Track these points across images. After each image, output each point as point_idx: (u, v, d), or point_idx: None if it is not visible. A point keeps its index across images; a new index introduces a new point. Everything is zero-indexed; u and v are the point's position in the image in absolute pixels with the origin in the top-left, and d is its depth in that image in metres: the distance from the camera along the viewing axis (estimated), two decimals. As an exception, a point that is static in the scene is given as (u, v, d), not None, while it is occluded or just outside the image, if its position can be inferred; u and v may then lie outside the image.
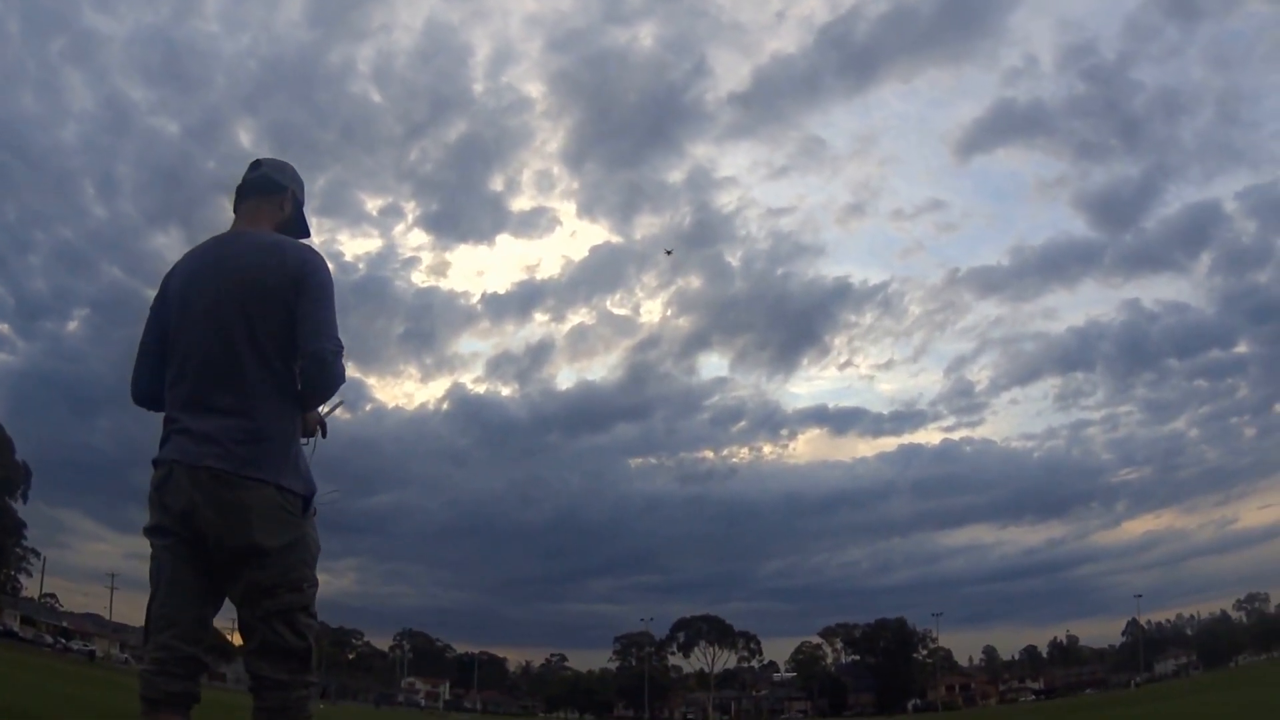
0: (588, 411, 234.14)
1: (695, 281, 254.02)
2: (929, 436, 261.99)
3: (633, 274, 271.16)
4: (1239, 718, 21.11)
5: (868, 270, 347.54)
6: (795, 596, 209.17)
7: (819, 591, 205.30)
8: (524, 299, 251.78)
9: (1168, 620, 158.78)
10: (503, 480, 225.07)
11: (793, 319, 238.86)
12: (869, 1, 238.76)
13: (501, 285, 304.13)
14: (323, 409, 4.89)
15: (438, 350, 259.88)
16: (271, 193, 4.87)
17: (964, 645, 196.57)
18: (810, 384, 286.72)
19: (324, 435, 4.94)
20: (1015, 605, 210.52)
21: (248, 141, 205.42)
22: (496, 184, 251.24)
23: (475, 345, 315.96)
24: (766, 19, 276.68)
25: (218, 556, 4.26)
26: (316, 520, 4.62)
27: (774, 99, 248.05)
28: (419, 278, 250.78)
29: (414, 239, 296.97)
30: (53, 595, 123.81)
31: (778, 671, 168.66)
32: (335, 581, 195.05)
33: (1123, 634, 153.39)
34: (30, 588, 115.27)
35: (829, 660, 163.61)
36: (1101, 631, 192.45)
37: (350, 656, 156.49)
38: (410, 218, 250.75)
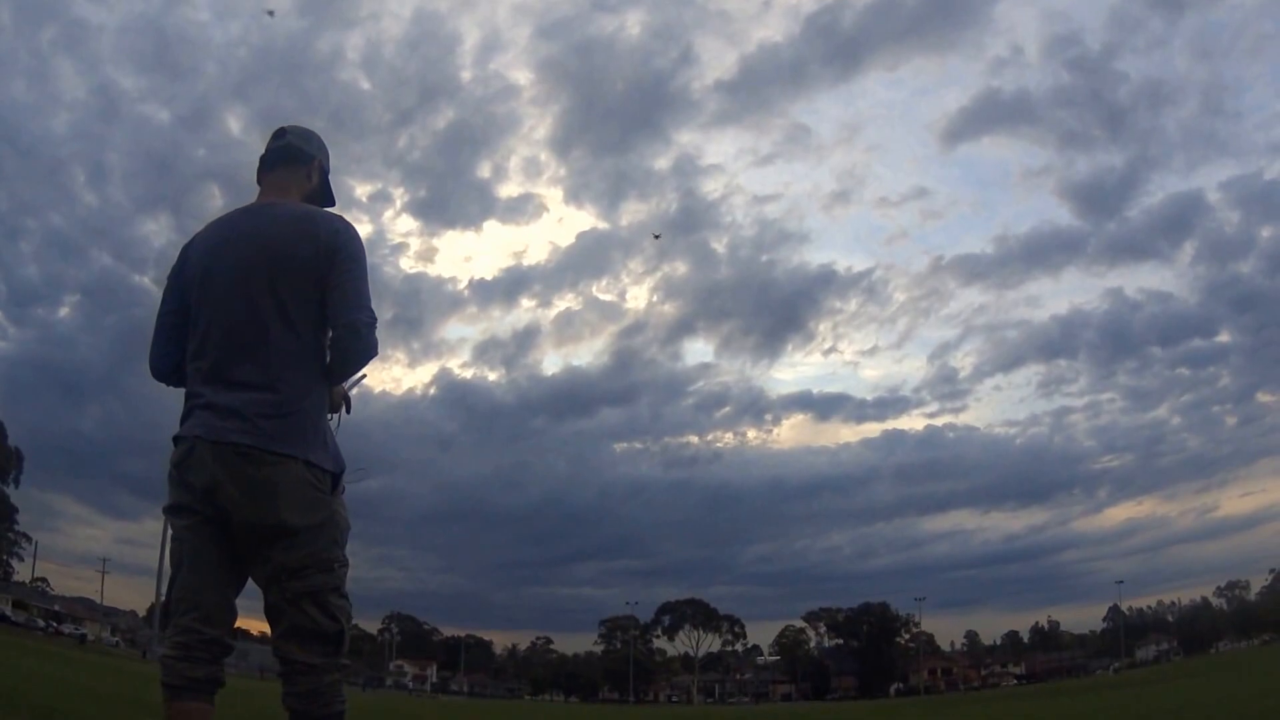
0: (573, 396, 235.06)
1: (681, 268, 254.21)
2: (912, 423, 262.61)
3: (619, 260, 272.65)
4: (1216, 706, 21.84)
5: (852, 257, 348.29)
6: (779, 581, 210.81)
7: (802, 576, 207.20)
8: (511, 285, 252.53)
9: (1149, 606, 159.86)
10: (489, 465, 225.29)
11: (777, 305, 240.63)
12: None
13: (489, 271, 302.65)
14: (346, 383, 4.70)
15: (425, 335, 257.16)
16: (298, 162, 4.70)
17: (946, 630, 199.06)
18: (794, 370, 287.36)
19: (348, 411, 4.75)
20: (997, 590, 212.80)
21: (237, 129, 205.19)
22: (484, 171, 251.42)
23: (462, 331, 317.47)
24: (753, 7, 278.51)
25: (242, 536, 4.13)
26: (345, 499, 4.49)
27: (760, 87, 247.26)
28: (407, 263, 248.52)
29: (402, 225, 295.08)
30: (44, 579, 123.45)
31: (761, 655, 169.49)
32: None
33: (1104, 620, 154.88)
34: (22, 572, 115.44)
35: (812, 644, 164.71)
36: (1083, 617, 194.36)
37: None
38: (399, 204, 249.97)
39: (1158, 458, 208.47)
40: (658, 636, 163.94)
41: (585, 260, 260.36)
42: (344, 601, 4.28)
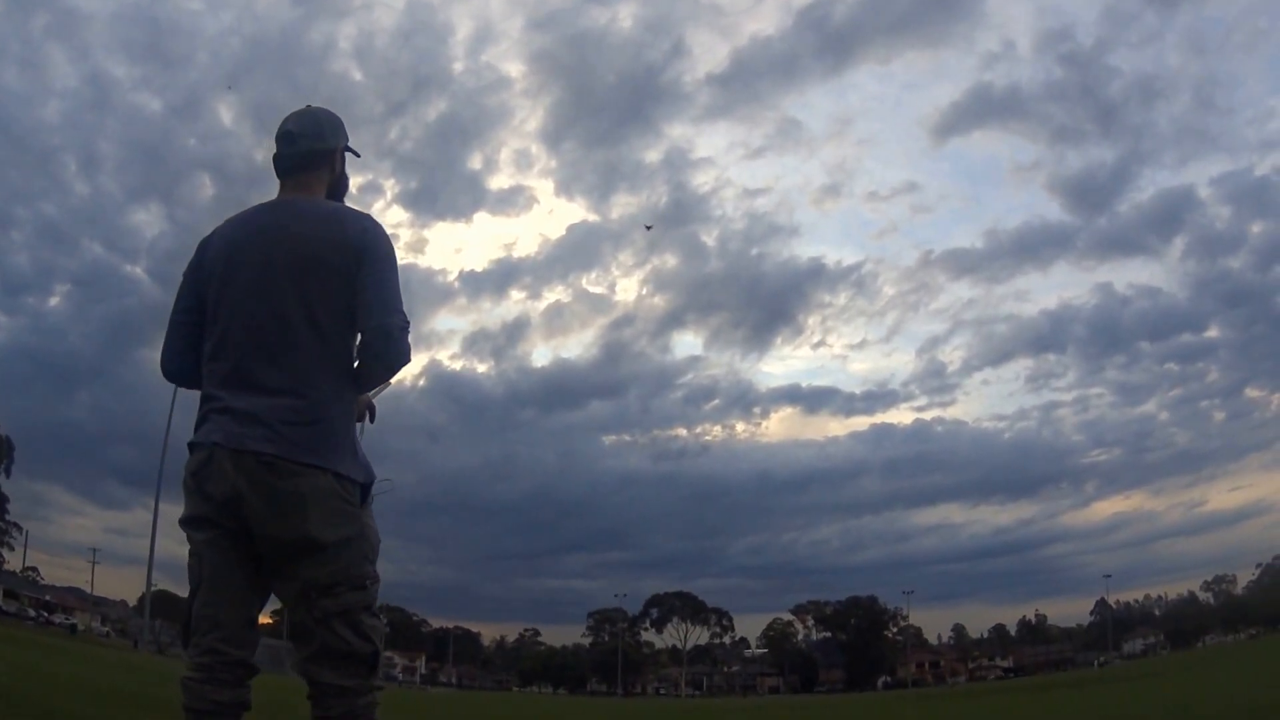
0: (563, 389, 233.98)
1: (671, 260, 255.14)
2: (901, 416, 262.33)
3: (609, 252, 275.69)
4: (1207, 704, 21.96)
5: (842, 251, 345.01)
6: (767, 574, 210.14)
7: (790, 569, 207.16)
8: (501, 276, 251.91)
9: (1136, 600, 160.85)
10: (478, 456, 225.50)
11: (767, 299, 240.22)
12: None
13: (479, 263, 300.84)
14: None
15: (415, 327, 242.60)
16: (319, 164, 4.46)
17: (933, 623, 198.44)
18: (783, 363, 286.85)
19: (371, 420, 4.56)
20: (985, 584, 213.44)
21: (229, 119, 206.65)
22: (475, 162, 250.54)
23: (452, 322, 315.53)
24: (746, 1, 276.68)
25: (267, 550, 3.89)
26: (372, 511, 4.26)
27: (751, 80, 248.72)
28: (397, 254, 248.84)
29: (392, 216, 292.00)
30: (34, 569, 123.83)
31: (749, 648, 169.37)
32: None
33: (1091, 613, 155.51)
34: (12, 561, 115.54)
35: (800, 637, 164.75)
36: (1070, 611, 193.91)
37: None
38: (389, 195, 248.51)
39: (1146, 452, 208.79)
40: (646, 629, 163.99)
41: (575, 252, 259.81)
42: (376, 620, 4.06)
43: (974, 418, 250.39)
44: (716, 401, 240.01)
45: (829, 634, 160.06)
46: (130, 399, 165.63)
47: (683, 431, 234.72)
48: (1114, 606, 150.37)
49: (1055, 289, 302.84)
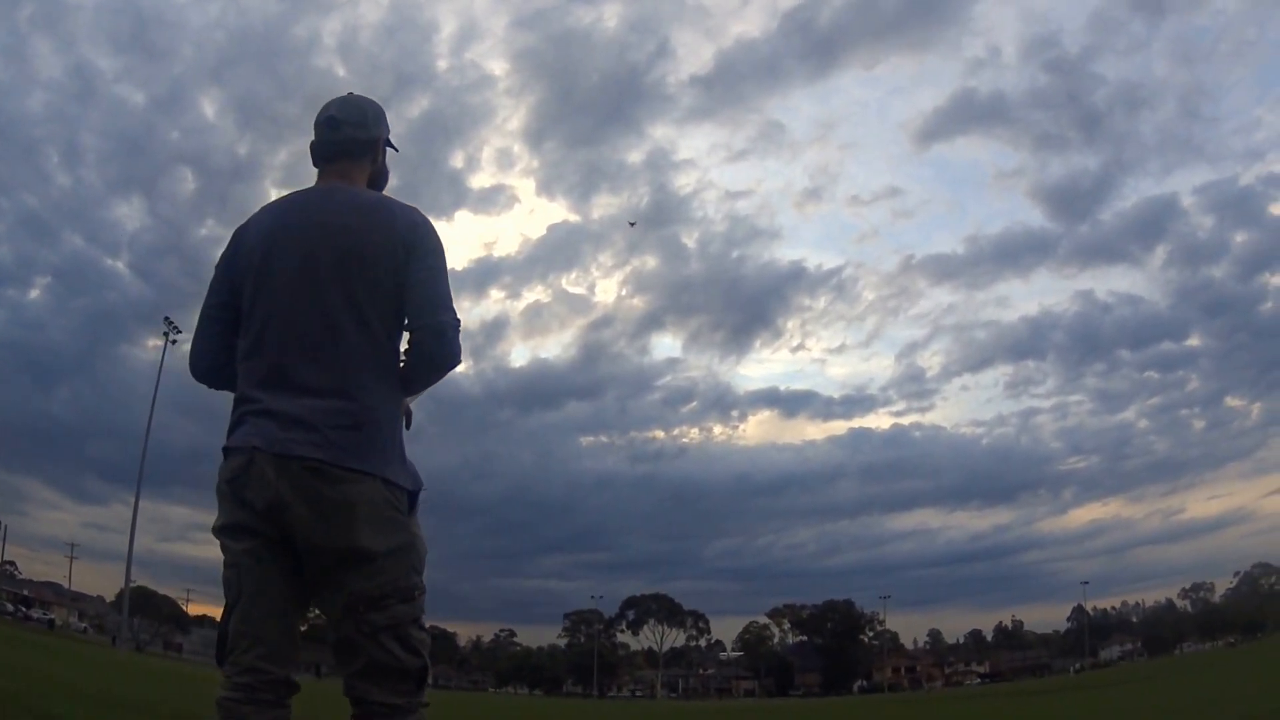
0: (541, 389, 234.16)
1: (651, 262, 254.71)
2: (879, 421, 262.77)
3: (589, 253, 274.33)
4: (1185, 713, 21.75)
5: (823, 255, 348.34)
6: (743, 576, 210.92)
7: (766, 572, 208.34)
8: (480, 275, 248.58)
9: (1113, 607, 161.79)
10: (455, 455, 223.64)
11: (746, 301, 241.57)
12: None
13: (459, 261, 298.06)
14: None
15: None
16: (362, 153, 4.24)
17: (909, 627, 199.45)
18: (762, 366, 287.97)
19: (408, 426, 4.16)
20: (961, 589, 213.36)
21: (211, 113, 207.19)
22: (457, 160, 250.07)
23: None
24: (731, 3, 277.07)
25: (311, 561, 3.64)
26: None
27: (735, 82, 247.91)
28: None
29: None
30: (12, 563, 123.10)
31: (725, 650, 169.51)
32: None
33: (1068, 620, 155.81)
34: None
35: (776, 640, 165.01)
36: (1047, 617, 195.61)
37: (303, 629, 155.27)
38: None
39: (1124, 460, 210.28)
40: (622, 631, 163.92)
41: (555, 252, 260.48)
42: (424, 634, 3.80)
43: (952, 423, 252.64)
44: (694, 404, 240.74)
45: (805, 637, 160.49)
46: (110, 393, 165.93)
47: (660, 433, 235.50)
48: (1091, 613, 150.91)
49: (1036, 296, 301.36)
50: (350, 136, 4.18)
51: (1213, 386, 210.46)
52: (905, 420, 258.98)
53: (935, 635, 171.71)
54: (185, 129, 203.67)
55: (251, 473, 3.59)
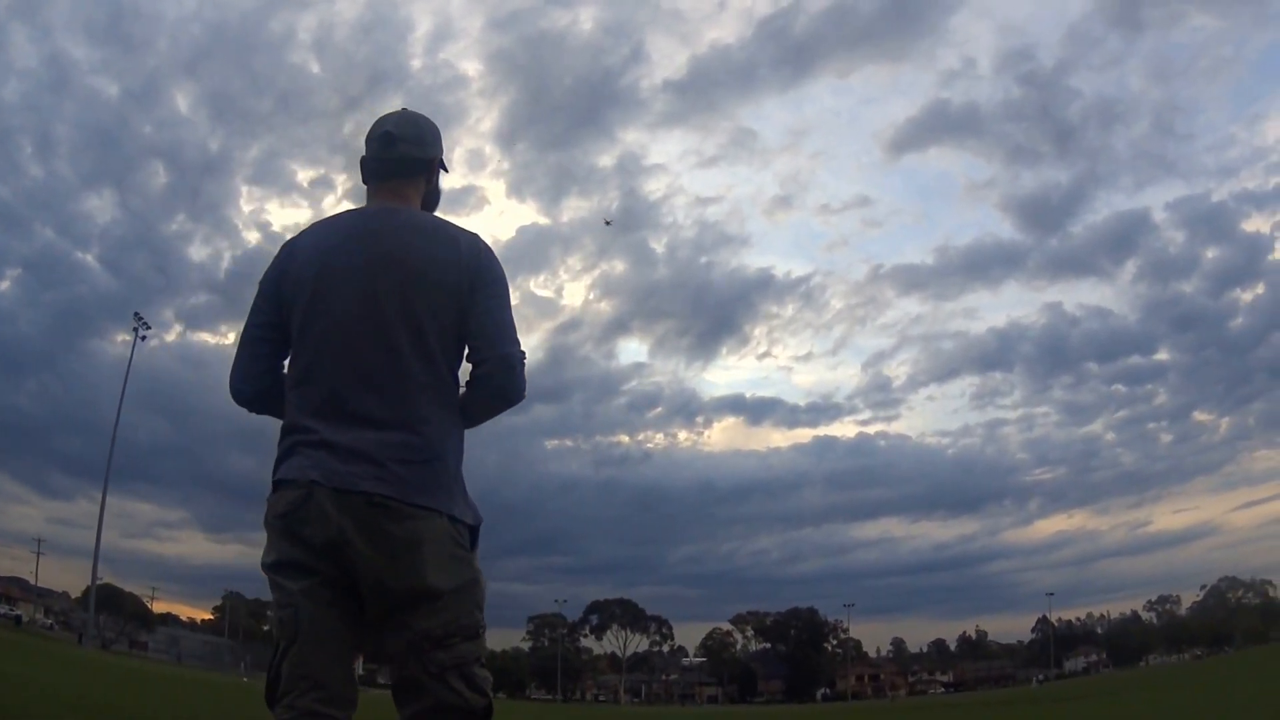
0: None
1: (619, 266, 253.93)
2: (844, 429, 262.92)
3: (558, 256, 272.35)
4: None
5: (791, 262, 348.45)
6: (706, 583, 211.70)
7: (730, 579, 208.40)
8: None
9: (1078, 619, 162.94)
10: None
11: (714, 308, 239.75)
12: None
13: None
14: None
15: None
16: (417, 172, 4.00)
17: (872, 636, 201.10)
18: (728, 373, 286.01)
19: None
20: (925, 598, 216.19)
21: (185, 107, 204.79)
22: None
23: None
24: (707, 8, 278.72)
25: (374, 600, 3.46)
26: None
27: (709, 88, 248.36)
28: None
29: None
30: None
31: (687, 656, 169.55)
32: (253, 553, 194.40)
33: (1032, 630, 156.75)
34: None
35: (738, 647, 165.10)
36: (1011, 627, 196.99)
37: (266, 628, 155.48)
38: (340, 190, 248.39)
39: (1091, 472, 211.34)
40: (586, 635, 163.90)
41: (524, 255, 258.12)
42: (486, 672, 3.59)
43: (918, 433, 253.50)
44: (660, 409, 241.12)
45: (768, 645, 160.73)
46: (78, 388, 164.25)
47: (625, 438, 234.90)
48: (1056, 624, 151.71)
49: (1004, 307, 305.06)
50: (406, 155, 3.95)
51: (1181, 401, 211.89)
52: (871, 429, 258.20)
53: (898, 644, 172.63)
54: (158, 122, 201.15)
55: (310, 508, 3.40)
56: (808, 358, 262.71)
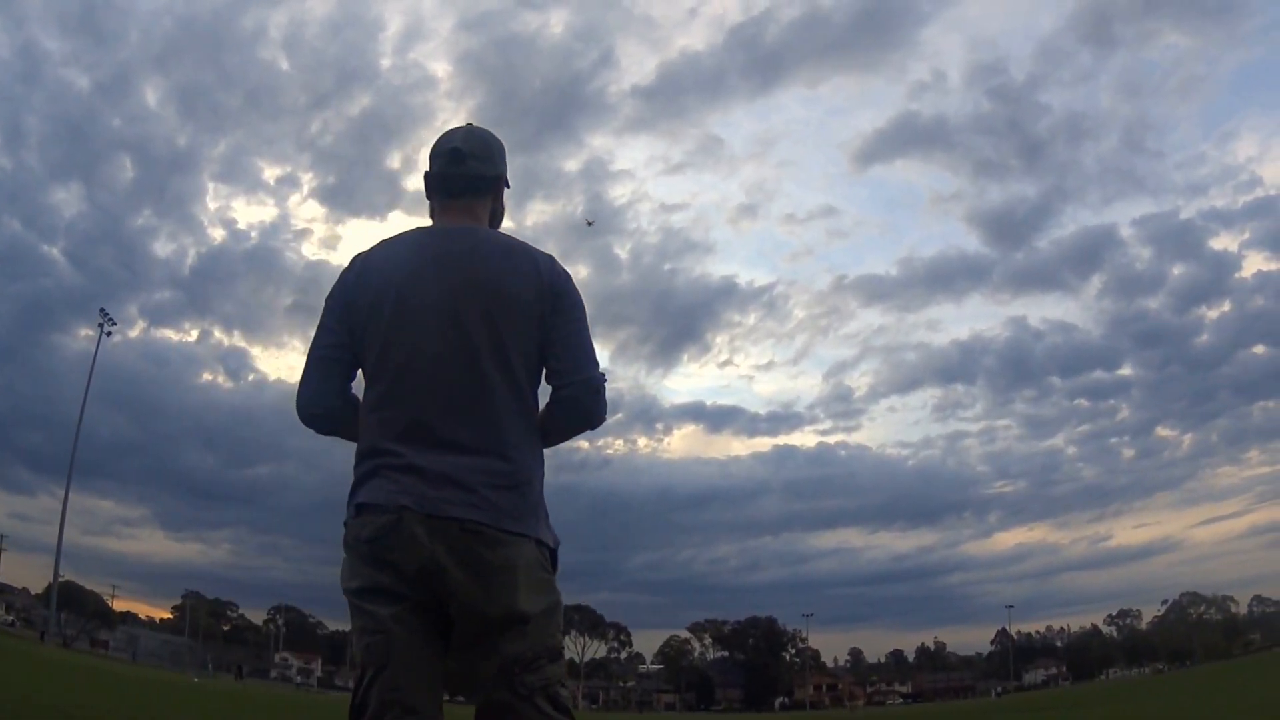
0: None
1: (582, 271, 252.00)
2: (804, 439, 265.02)
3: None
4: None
5: (755, 271, 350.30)
6: (664, 589, 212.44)
7: (688, 586, 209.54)
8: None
9: (1038, 632, 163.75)
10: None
11: (676, 315, 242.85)
12: (783, 5, 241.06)
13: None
14: None
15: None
16: (485, 190, 3.92)
17: (830, 645, 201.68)
18: (689, 380, 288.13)
19: None
20: (883, 609, 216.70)
21: (154, 101, 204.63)
22: (394, 161, 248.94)
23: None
24: (679, 15, 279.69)
25: (465, 625, 3.38)
26: None
27: (677, 95, 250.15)
28: (310, 250, 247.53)
29: (308, 210, 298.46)
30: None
31: (644, 663, 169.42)
32: (212, 551, 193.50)
33: (992, 643, 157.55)
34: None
35: (696, 655, 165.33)
36: (970, 639, 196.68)
37: (225, 628, 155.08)
38: (306, 189, 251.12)
39: (1051, 486, 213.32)
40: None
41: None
42: (568, 691, 3.51)
43: (878, 443, 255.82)
44: (620, 415, 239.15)
45: (726, 653, 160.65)
46: (41, 383, 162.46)
47: (584, 444, 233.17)
48: (1015, 637, 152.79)
49: (968, 320, 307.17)
50: (475, 172, 3.88)
51: (1144, 416, 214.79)
52: (831, 439, 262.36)
53: (856, 654, 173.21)
54: (127, 116, 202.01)
55: (400, 534, 3.32)
56: (769, 366, 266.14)
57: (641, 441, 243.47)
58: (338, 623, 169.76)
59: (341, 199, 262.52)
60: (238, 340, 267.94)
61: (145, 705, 21.09)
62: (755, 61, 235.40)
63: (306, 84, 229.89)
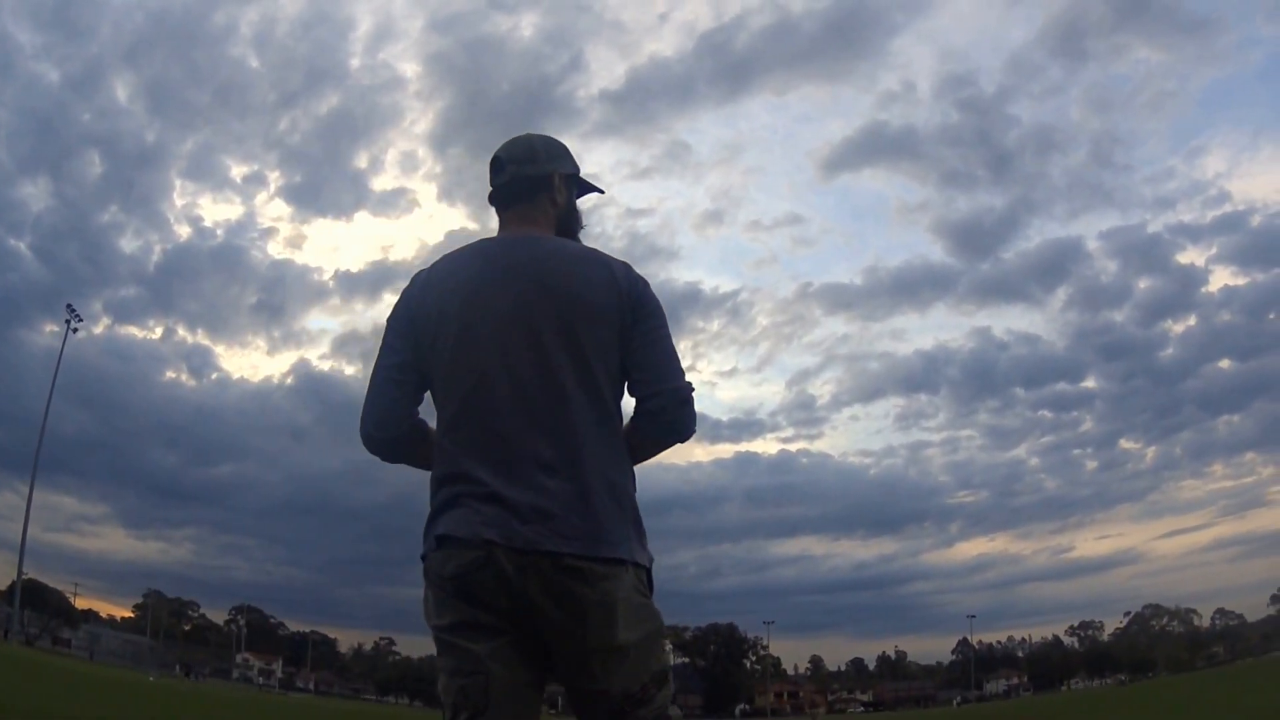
0: (428, 398, 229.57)
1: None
2: (766, 446, 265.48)
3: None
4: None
5: (719, 278, 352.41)
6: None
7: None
8: (376, 279, 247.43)
9: (999, 642, 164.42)
10: (340, 459, 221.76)
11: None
12: (754, 12, 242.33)
13: (355, 263, 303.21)
14: None
15: (286, 324, 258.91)
16: (537, 191, 3.64)
17: (791, 653, 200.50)
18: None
19: None
20: (844, 617, 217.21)
21: (124, 96, 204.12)
22: (361, 161, 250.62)
23: (324, 322, 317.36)
24: (649, 20, 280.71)
25: (564, 661, 3.16)
26: None
27: (645, 100, 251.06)
28: (275, 249, 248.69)
29: (274, 209, 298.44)
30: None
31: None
32: (173, 550, 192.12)
33: (953, 652, 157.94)
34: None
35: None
36: (931, 648, 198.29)
37: (186, 628, 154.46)
38: (273, 187, 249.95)
39: (1013, 496, 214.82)
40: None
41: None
42: (677, 709, 3.07)
43: (840, 452, 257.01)
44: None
45: (686, 659, 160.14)
46: (4, 378, 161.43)
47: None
48: (976, 646, 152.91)
49: (932, 330, 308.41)
50: (516, 175, 3.63)
51: (1107, 428, 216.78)
52: (793, 446, 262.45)
53: (817, 662, 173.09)
54: (97, 111, 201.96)
55: (489, 570, 3.07)
56: (732, 373, 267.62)
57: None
58: (298, 624, 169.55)
59: (308, 198, 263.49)
60: (201, 338, 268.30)
61: (99, 704, 21.10)
62: (724, 68, 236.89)
63: (276, 82, 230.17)
